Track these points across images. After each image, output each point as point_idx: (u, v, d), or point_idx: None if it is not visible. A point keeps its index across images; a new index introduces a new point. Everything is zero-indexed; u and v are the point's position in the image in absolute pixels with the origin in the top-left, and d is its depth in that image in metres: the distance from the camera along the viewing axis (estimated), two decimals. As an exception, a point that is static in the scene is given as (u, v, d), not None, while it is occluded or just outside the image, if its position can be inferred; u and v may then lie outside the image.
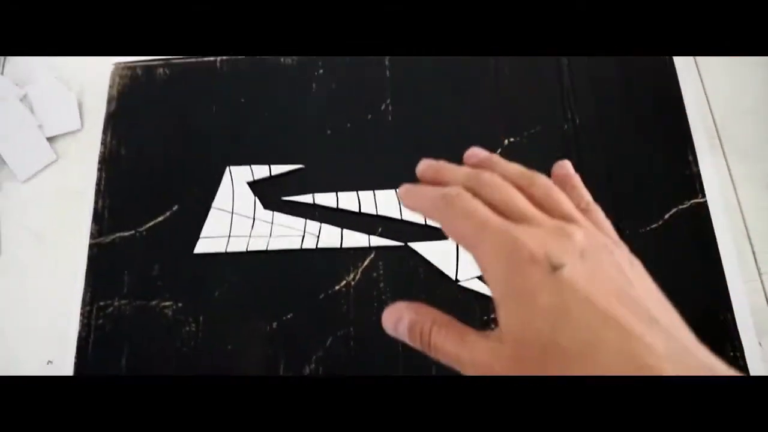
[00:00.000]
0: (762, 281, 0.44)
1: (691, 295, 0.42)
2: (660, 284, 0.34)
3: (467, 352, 0.19)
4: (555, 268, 0.17)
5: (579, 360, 0.16)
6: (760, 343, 0.42)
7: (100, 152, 0.48)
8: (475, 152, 0.23)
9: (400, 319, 0.21)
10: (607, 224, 0.20)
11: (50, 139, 0.49)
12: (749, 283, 0.43)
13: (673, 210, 0.44)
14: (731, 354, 0.40)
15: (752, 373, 0.40)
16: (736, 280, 0.43)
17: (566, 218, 0.19)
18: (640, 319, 0.17)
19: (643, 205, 0.44)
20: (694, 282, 0.42)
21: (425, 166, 0.23)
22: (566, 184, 0.22)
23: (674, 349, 0.17)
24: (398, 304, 0.22)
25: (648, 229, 0.43)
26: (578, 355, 0.16)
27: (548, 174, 0.22)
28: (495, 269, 0.18)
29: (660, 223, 0.44)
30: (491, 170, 0.21)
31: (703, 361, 0.17)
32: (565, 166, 0.22)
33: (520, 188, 0.20)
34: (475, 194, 0.19)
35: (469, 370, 0.19)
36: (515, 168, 0.21)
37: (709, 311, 0.41)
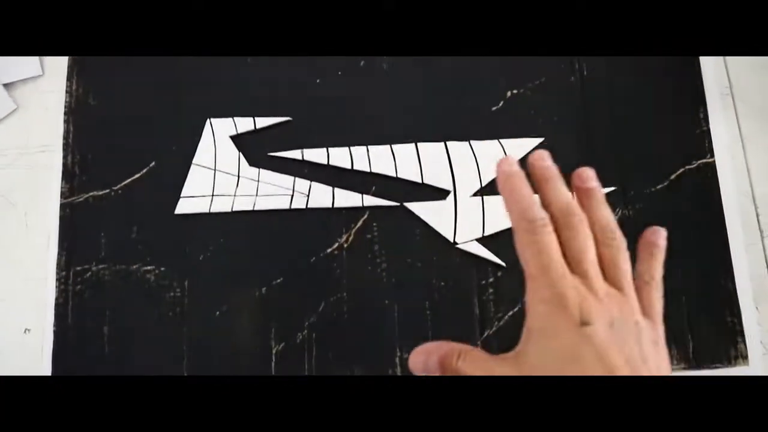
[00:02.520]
0: (764, 245, 0.43)
1: (693, 259, 0.41)
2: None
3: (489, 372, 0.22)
4: (583, 324, 0.20)
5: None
6: (757, 308, 0.42)
7: (66, 101, 0.43)
8: (586, 176, 0.24)
9: (429, 357, 0.24)
10: (657, 305, 0.23)
11: (7, 87, 0.45)
12: (751, 246, 0.42)
13: (681, 170, 0.42)
14: (729, 320, 0.40)
15: (748, 339, 0.39)
16: (738, 245, 0.42)
17: (617, 287, 0.22)
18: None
19: (650, 164, 0.42)
20: (698, 245, 0.41)
21: (542, 158, 0.24)
22: (647, 252, 0.25)
23: None
24: (425, 345, 0.24)
25: (654, 189, 0.42)
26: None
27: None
28: (537, 305, 0.21)
29: (666, 183, 0.42)
30: (587, 207, 0.23)
31: None
32: (658, 235, 0.25)
33: (597, 241, 0.23)
34: (558, 228, 0.22)
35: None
36: (605, 218, 0.23)
37: (710, 275, 0.41)
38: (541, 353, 0.21)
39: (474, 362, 0.23)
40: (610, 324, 0.21)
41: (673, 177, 0.42)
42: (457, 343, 0.24)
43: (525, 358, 0.21)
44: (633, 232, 0.40)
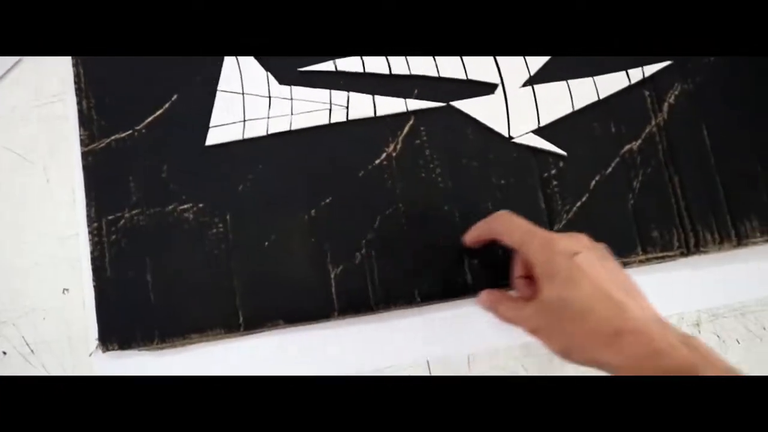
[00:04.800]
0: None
1: (763, 126, 0.38)
2: (730, 118, 0.39)
3: (522, 317, 0.30)
4: (573, 254, 0.28)
5: (581, 317, 0.27)
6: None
7: (72, 44, 0.40)
8: None
9: (483, 302, 0.33)
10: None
11: (7, 40, 0.41)
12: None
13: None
14: None
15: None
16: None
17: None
18: (622, 291, 0.28)
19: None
20: (766, 112, 0.38)
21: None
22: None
23: (645, 311, 0.27)
24: (482, 293, 0.33)
25: (713, 59, 0.39)
26: (580, 313, 0.27)
27: None
28: (538, 259, 0.29)
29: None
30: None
31: (666, 325, 0.27)
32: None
33: None
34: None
35: (523, 328, 0.30)
36: None
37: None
38: (550, 291, 0.28)
39: (510, 307, 0.31)
40: (588, 248, 0.29)
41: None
42: (500, 291, 0.33)
43: (542, 298, 0.29)
44: (697, 106, 0.38)
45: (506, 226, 0.31)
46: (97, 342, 0.37)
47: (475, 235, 0.34)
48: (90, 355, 0.38)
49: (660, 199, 0.37)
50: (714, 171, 0.38)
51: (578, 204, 0.37)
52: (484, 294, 0.33)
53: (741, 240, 0.37)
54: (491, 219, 0.33)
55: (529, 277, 0.32)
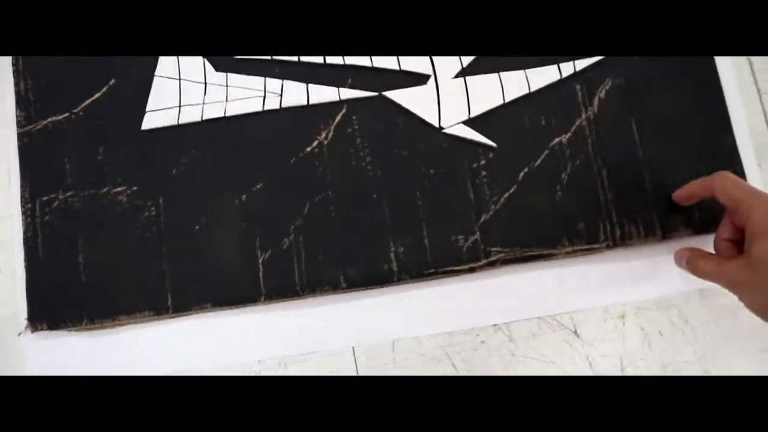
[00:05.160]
0: (762, 102, 0.41)
1: (690, 122, 0.39)
2: (659, 113, 0.39)
3: (724, 271, 0.31)
4: None
5: None
6: (759, 165, 0.40)
7: (12, 26, 0.40)
8: None
9: (681, 258, 0.35)
10: None
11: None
12: (749, 105, 0.41)
13: (668, 32, 0.40)
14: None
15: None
16: (735, 103, 0.40)
17: None
18: None
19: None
20: (693, 108, 0.39)
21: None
22: None
23: None
24: (679, 249, 0.35)
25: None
26: None
27: None
28: (757, 215, 0.30)
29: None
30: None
31: None
32: None
33: None
34: None
35: (723, 283, 0.31)
36: None
37: (709, 137, 0.39)
38: (763, 243, 0.29)
39: (713, 262, 0.32)
40: None
41: (661, 40, 0.40)
42: (700, 249, 0.34)
43: (758, 255, 0.29)
44: (626, 100, 0.38)
45: (728, 183, 0.32)
46: (26, 322, 0.37)
47: (688, 190, 0.35)
48: (19, 335, 0.38)
49: (587, 192, 0.38)
50: (641, 165, 0.38)
51: (506, 195, 0.38)
52: (685, 249, 0.34)
53: (666, 234, 0.37)
54: (713, 177, 0.33)
55: (733, 242, 0.33)
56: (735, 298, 0.31)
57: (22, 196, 0.39)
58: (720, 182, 0.33)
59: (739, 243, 0.33)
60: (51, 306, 0.38)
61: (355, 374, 0.37)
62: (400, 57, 0.39)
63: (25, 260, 0.38)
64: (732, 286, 0.31)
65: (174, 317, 0.38)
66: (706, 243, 0.36)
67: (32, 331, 0.37)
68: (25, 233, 0.38)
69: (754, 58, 0.41)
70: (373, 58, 0.39)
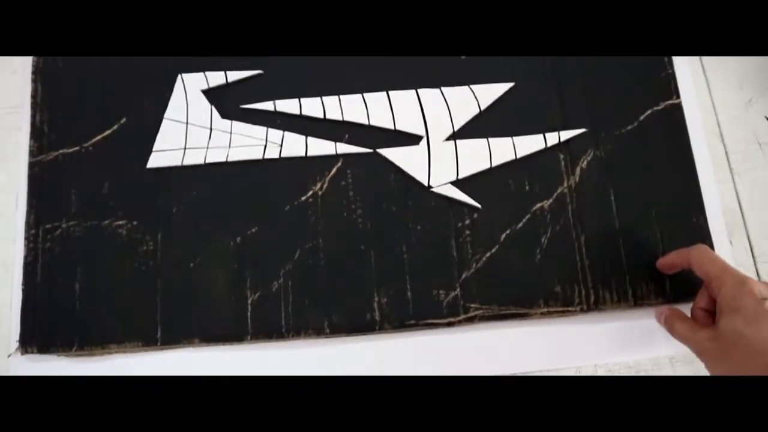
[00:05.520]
0: (734, 181, 0.44)
1: (665, 197, 0.41)
2: (636, 186, 0.41)
3: (695, 338, 0.34)
4: (764, 299, 0.31)
5: (752, 354, 0.30)
6: (731, 242, 0.42)
7: (33, 61, 0.43)
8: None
9: (661, 315, 0.37)
10: None
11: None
12: (721, 183, 0.43)
13: (648, 111, 0.43)
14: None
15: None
16: (709, 181, 0.42)
17: None
18: None
19: (618, 106, 0.43)
20: (669, 183, 0.41)
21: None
22: None
23: None
24: (661, 308, 0.38)
25: (624, 131, 0.42)
26: (753, 350, 0.30)
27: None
28: (727, 293, 0.32)
29: (635, 124, 0.42)
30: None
31: None
32: None
33: None
34: None
35: (692, 348, 0.34)
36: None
37: (682, 212, 0.41)
38: (733, 325, 0.31)
39: (687, 327, 0.35)
40: None
41: (642, 118, 0.42)
42: (678, 310, 0.37)
43: (722, 330, 0.32)
44: (606, 172, 0.41)
45: (704, 258, 0.35)
46: (17, 344, 0.39)
47: (670, 261, 0.38)
48: (9, 356, 0.39)
49: (565, 256, 0.40)
50: (617, 234, 0.40)
51: (488, 254, 0.40)
52: (666, 308, 0.37)
53: (637, 300, 0.39)
54: (690, 250, 0.36)
55: (708, 311, 0.35)
56: (701, 366, 0.33)
57: (27, 222, 0.40)
58: (697, 256, 0.35)
59: (713, 313, 0.35)
60: (43, 330, 0.39)
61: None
62: (395, 117, 0.41)
63: (23, 283, 0.40)
64: (700, 353, 0.33)
65: (162, 349, 0.39)
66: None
67: (22, 353, 0.39)
68: (25, 257, 0.40)
69: (727, 139, 0.44)
70: (370, 116, 0.41)
